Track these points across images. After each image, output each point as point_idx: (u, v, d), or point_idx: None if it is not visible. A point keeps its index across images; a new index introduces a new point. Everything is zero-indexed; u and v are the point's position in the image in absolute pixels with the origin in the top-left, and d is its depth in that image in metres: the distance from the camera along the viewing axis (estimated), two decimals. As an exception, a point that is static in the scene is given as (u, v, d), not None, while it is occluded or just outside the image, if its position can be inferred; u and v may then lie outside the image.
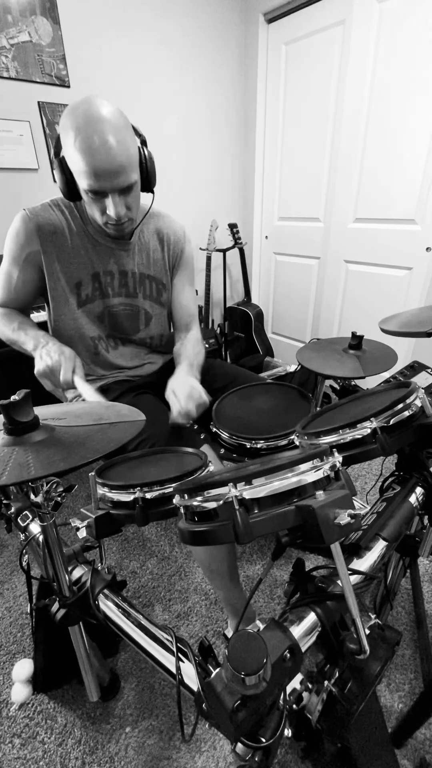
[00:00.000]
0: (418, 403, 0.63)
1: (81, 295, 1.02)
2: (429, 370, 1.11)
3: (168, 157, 2.28)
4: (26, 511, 0.82)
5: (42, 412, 0.60)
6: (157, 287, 1.11)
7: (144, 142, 0.89)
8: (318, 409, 0.86)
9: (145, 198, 0.98)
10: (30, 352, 0.94)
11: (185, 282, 1.17)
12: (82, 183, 0.83)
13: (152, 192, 0.96)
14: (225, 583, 0.99)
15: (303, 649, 0.49)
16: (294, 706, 0.51)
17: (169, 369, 1.21)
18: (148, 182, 0.93)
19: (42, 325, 1.03)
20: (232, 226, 2.47)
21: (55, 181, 1.93)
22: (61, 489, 0.61)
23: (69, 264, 0.99)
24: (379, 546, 0.63)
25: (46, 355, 0.88)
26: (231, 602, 1.04)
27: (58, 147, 0.86)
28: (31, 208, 0.96)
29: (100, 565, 0.74)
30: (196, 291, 1.89)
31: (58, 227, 0.97)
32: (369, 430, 0.60)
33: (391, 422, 0.60)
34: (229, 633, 1.13)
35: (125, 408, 0.67)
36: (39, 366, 0.87)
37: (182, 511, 0.49)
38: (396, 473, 0.78)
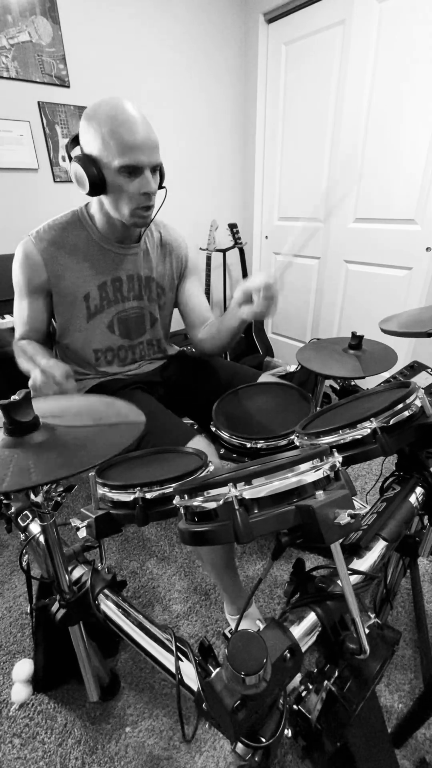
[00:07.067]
0: (417, 403, 0.63)
1: (90, 307, 1.04)
2: (429, 370, 1.11)
3: (168, 156, 2.27)
4: (26, 511, 0.82)
5: (39, 407, 0.59)
6: (158, 291, 1.14)
7: None
8: (318, 409, 0.86)
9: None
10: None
11: (196, 284, 1.21)
12: (120, 161, 0.83)
13: (164, 188, 0.98)
14: (220, 573, 1.01)
15: (303, 649, 0.49)
16: (294, 705, 0.51)
17: (164, 369, 1.22)
18: (161, 179, 0.95)
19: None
20: (232, 226, 2.46)
21: (55, 180, 1.96)
22: (61, 489, 0.61)
23: (76, 279, 1.00)
24: (379, 546, 0.63)
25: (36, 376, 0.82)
26: (227, 591, 1.07)
27: (74, 143, 0.90)
28: (35, 233, 0.98)
29: (100, 565, 0.74)
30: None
31: (62, 248, 0.98)
32: (369, 430, 0.60)
33: (391, 422, 0.60)
34: (230, 621, 1.14)
35: (124, 406, 0.66)
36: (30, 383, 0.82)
37: (182, 511, 0.49)
38: (396, 473, 0.78)
